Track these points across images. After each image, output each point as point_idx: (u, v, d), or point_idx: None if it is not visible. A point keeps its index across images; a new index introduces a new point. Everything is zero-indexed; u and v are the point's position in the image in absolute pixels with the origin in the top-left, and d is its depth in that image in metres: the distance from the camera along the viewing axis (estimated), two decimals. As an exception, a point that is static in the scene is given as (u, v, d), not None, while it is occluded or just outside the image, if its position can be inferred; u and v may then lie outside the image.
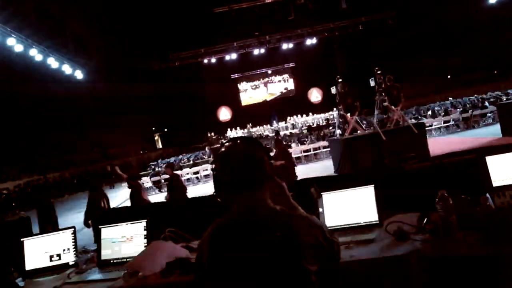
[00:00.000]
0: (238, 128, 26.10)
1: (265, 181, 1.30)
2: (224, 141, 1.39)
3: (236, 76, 30.00)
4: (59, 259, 2.52)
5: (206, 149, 19.86)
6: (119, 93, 25.36)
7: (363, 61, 21.83)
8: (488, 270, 1.60)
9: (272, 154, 6.43)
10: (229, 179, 1.29)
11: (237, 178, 1.27)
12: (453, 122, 15.43)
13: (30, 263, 2.53)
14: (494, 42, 24.88)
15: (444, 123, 15.55)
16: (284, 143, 16.55)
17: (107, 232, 2.48)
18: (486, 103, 16.38)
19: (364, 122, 13.73)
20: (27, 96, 21.89)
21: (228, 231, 1.26)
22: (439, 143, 12.28)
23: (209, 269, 1.24)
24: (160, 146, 35.21)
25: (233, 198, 1.29)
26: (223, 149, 1.33)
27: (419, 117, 17.18)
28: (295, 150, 15.38)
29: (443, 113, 16.80)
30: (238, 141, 1.35)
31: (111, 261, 2.38)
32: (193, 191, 13.33)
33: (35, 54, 15.85)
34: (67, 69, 18.65)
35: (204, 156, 19.18)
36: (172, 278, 1.93)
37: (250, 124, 26.27)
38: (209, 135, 26.07)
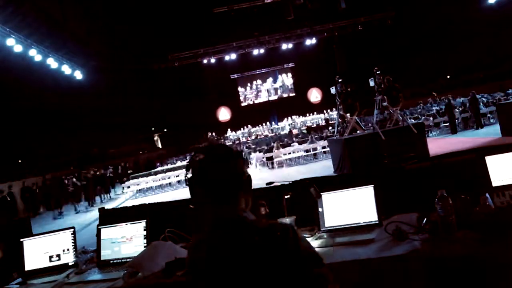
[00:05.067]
0: (238, 128, 26.08)
1: (241, 193, 1.27)
2: (201, 147, 1.35)
3: (236, 76, 29.99)
4: (59, 259, 2.51)
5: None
6: (118, 93, 25.33)
7: (362, 61, 21.81)
8: (488, 270, 1.60)
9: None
10: (206, 190, 1.25)
11: (214, 189, 1.24)
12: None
13: (30, 264, 2.53)
14: (494, 42, 24.86)
15: (444, 123, 15.54)
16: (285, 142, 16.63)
17: (107, 232, 2.47)
18: (482, 105, 16.34)
19: (364, 122, 13.73)
20: (26, 96, 21.86)
21: (207, 246, 1.22)
22: (439, 143, 12.29)
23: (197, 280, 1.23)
24: (160, 146, 35.17)
25: (208, 208, 1.25)
26: (201, 157, 1.29)
27: (419, 117, 17.16)
28: (295, 149, 15.37)
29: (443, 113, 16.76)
30: (216, 150, 1.30)
31: (111, 262, 2.38)
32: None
33: (35, 54, 15.84)
34: (66, 69, 18.65)
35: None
36: (172, 278, 1.93)
37: (251, 126, 26.30)
38: (209, 135, 26.06)
